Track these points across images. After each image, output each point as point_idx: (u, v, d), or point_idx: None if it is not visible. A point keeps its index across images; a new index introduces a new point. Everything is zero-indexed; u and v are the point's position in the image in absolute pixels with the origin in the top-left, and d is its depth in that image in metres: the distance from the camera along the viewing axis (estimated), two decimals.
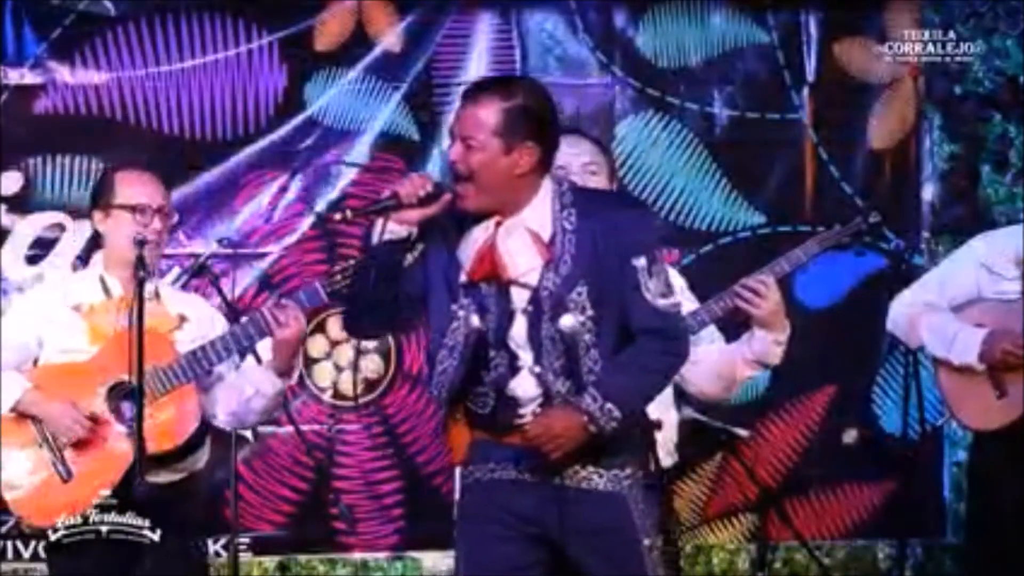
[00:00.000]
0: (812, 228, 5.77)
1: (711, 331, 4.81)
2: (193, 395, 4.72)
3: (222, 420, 4.86)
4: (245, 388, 4.78)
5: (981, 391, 5.24)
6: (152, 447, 4.60)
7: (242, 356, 4.95)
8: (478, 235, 3.97)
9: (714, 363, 4.76)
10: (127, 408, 4.67)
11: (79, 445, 4.68)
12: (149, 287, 4.77)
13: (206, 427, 4.84)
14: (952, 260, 5.52)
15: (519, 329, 3.98)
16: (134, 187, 4.83)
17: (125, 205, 4.79)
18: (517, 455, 3.98)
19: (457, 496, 4.15)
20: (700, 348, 4.79)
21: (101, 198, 4.86)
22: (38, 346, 4.80)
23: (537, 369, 3.97)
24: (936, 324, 5.32)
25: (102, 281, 4.84)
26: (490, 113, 3.89)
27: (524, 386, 3.99)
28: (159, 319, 4.73)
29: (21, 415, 4.71)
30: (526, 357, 3.99)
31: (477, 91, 3.96)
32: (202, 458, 4.88)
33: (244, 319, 4.85)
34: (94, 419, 4.67)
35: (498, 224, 3.96)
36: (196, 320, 4.86)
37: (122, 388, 4.68)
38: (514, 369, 3.98)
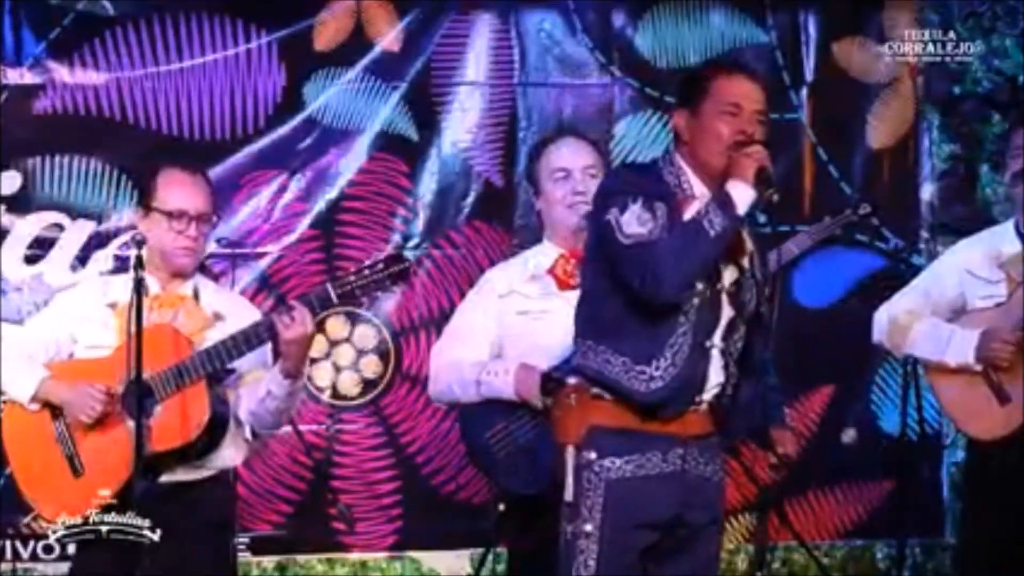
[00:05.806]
0: None
1: None
2: (202, 393, 4.70)
3: (245, 420, 4.85)
4: (260, 388, 4.78)
5: (982, 399, 5.15)
6: (159, 445, 4.63)
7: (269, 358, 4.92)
8: None
9: None
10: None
11: (93, 439, 4.66)
12: (187, 286, 4.79)
13: (226, 425, 4.79)
14: (934, 268, 5.45)
15: (725, 311, 4.02)
16: (174, 191, 4.79)
17: (161, 210, 4.77)
18: (679, 445, 4.02)
19: (576, 484, 4.02)
20: None
21: (142, 197, 4.84)
22: (71, 342, 4.79)
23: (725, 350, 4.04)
24: (928, 329, 5.22)
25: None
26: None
27: (716, 369, 4.03)
28: (192, 318, 4.73)
29: (42, 407, 4.71)
30: (717, 340, 4.02)
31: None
32: (231, 456, 4.85)
33: (254, 320, 4.84)
34: (111, 396, 4.64)
35: None
36: (232, 319, 4.82)
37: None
38: (706, 350, 4.01)
